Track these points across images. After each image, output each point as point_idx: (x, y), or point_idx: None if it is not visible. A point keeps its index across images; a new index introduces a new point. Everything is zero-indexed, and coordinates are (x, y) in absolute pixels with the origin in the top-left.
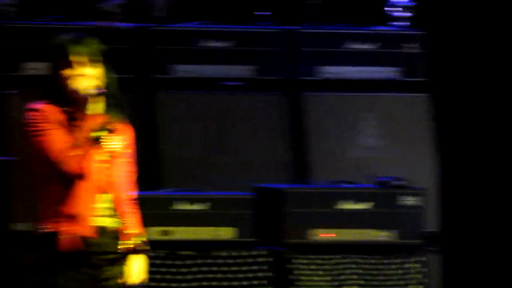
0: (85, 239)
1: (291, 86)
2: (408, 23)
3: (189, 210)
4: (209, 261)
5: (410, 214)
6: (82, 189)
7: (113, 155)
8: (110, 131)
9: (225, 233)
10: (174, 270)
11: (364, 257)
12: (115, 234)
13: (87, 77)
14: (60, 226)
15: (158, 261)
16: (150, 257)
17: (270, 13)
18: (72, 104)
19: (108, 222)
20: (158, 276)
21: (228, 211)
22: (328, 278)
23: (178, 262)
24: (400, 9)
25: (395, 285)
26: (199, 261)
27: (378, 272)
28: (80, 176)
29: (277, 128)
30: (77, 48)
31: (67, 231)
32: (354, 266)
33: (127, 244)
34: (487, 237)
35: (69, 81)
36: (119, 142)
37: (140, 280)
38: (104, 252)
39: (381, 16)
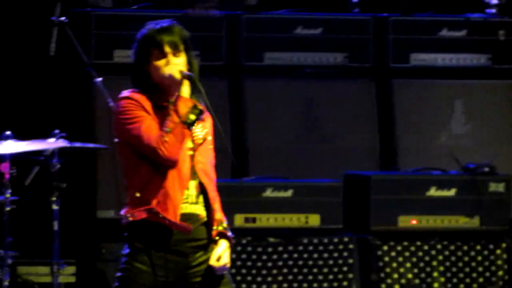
0: (173, 227)
1: (381, 73)
2: (496, 10)
3: (276, 197)
4: (295, 247)
5: (496, 200)
6: (171, 176)
7: (200, 142)
8: (202, 112)
9: (312, 220)
10: (259, 256)
11: (451, 243)
12: (202, 221)
13: (174, 64)
14: (149, 213)
15: (244, 248)
16: (236, 243)
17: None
18: (160, 92)
19: (196, 209)
20: (243, 263)
21: (314, 198)
22: (412, 264)
23: (264, 249)
24: None
25: (479, 271)
26: (285, 248)
27: (464, 257)
28: (173, 162)
29: (366, 114)
30: (163, 36)
31: (156, 218)
32: (441, 252)
33: (214, 229)
34: None
35: (157, 69)
36: (205, 128)
37: (225, 264)
38: (192, 239)
39: (470, 3)
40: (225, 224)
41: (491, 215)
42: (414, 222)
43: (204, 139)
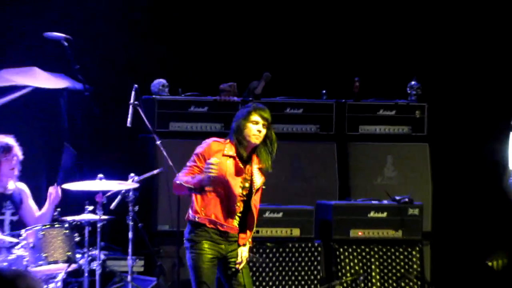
0: (226, 231)
1: (340, 138)
2: (414, 98)
3: (272, 217)
4: (283, 249)
5: (413, 220)
6: (222, 202)
7: (258, 187)
8: (261, 170)
9: (294, 232)
10: (261, 255)
11: (384, 247)
12: (236, 228)
13: (259, 132)
14: (209, 222)
15: (251, 249)
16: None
17: (325, 90)
18: (241, 146)
19: (236, 223)
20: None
21: (296, 218)
22: (358, 261)
23: (264, 250)
24: (413, 88)
25: (402, 265)
26: (277, 249)
27: (392, 256)
28: (230, 196)
29: (330, 164)
30: (260, 111)
31: (216, 227)
32: (377, 253)
33: (244, 236)
34: (467, 236)
35: (247, 129)
36: (261, 178)
37: (247, 256)
38: (230, 236)
39: (398, 92)
40: (250, 240)
41: (409, 229)
42: (360, 233)
43: (259, 186)
